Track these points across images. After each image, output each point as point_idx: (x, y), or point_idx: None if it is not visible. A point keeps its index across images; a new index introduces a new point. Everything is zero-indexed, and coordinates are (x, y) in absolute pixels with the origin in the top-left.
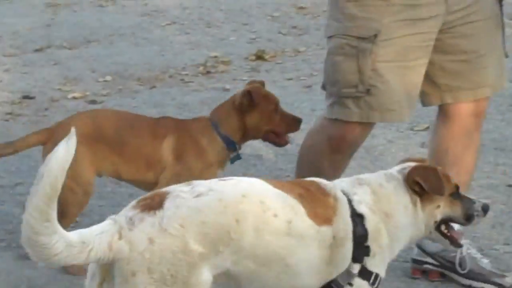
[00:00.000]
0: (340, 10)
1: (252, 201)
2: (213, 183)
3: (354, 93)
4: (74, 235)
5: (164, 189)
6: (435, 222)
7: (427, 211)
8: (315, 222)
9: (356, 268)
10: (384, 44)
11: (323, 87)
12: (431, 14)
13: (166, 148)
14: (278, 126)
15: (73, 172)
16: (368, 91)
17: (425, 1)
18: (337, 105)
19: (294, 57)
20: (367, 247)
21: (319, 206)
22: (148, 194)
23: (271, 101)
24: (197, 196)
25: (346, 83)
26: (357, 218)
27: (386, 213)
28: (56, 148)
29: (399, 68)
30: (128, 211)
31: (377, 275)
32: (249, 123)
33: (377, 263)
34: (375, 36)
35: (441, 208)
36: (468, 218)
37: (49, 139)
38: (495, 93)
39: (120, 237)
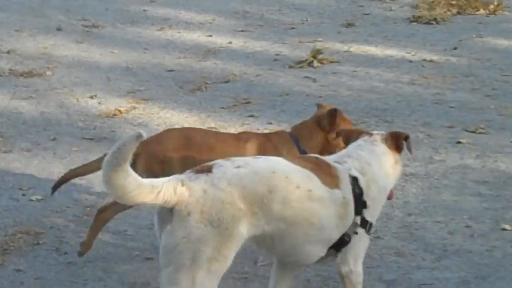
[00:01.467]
0: None
1: (279, 176)
2: (248, 159)
3: None
4: (145, 180)
5: (209, 163)
6: None
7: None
8: (328, 187)
9: (358, 219)
10: None
11: None
12: None
13: (250, 150)
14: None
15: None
16: None
17: None
18: None
19: None
20: (364, 202)
21: (327, 175)
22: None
23: (349, 122)
24: (237, 167)
25: None
26: (353, 180)
27: (372, 179)
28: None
29: None
30: (184, 174)
31: (371, 224)
32: (331, 140)
33: (371, 213)
34: None
35: None
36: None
37: (142, 152)
38: None
39: (183, 185)
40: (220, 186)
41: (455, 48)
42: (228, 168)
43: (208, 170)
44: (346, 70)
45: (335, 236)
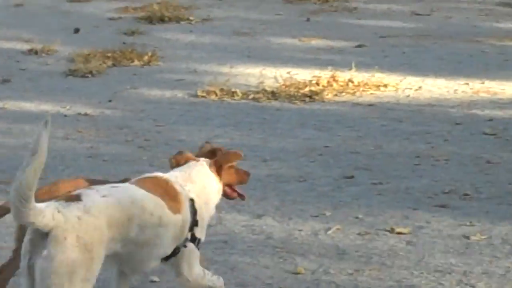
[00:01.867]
0: None
1: (137, 206)
2: (110, 189)
3: None
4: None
5: (74, 192)
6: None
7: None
8: (172, 212)
9: (188, 235)
10: None
11: None
12: None
13: None
14: (233, 181)
15: None
16: None
17: None
18: None
19: None
20: (197, 221)
21: (173, 201)
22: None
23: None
24: (103, 196)
25: None
26: (190, 201)
27: (205, 201)
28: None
29: None
30: (53, 202)
31: (199, 239)
32: None
33: (200, 231)
34: None
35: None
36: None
37: None
38: None
39: (58, 211)
40: (93, 213)
41: (110, 101)
42: (96, 197)
43: (77, 198)
44: (1, 127)
45: (170, 251)
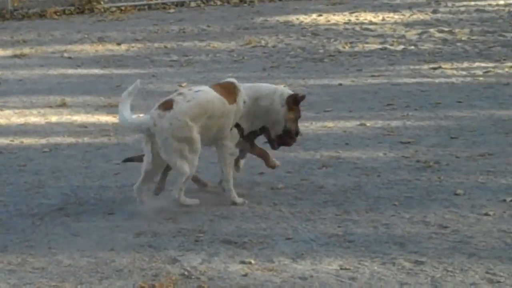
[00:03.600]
0: None
1: (209, 104)
2: (193, 93)
3: None
4: (135, 119)
5: (170, 97)
6: None
7: None
8: (229, 103)
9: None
10: None
11: None
12: None
13: None
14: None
15: None
16: None
17: None
18: None
19: None
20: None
21: (230, 97)
22: (163, 100)
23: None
24: (188, 101)
25: None
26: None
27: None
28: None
29: None
30: (155, 110)
31: (243, 129)
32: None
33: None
34: None
35: None
36: None
37: None
38: None
39: (155, 124)
40: (179, 118)
41: None
42: (183, 103)
43: (170, 106)
44: None
45: (228, 132)
